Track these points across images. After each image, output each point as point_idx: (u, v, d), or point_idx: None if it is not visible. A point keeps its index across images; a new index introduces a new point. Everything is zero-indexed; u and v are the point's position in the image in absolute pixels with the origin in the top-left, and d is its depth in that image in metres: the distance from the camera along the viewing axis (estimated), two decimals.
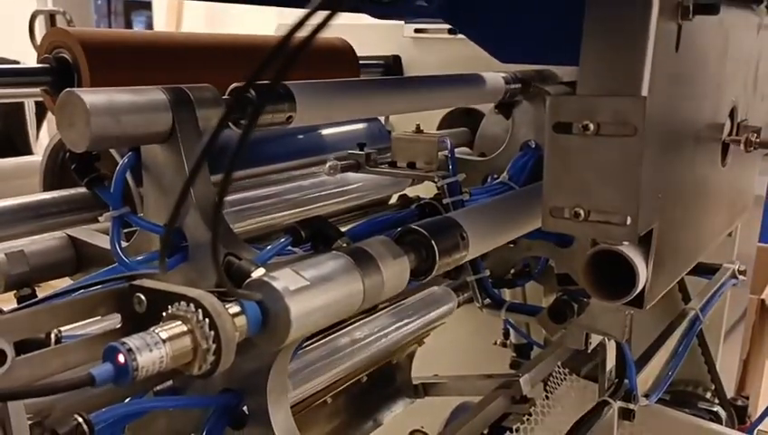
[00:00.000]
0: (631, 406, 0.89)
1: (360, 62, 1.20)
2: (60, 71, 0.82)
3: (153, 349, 0.48)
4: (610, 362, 0.91)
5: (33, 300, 0.64)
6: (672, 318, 1.10)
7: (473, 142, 1.25)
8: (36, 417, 0.53)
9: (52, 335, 0.61)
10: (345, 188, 1.06)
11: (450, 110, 1.35)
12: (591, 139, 0.53)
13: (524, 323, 1.36)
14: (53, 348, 0.56)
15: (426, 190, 1.05)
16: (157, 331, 0.49)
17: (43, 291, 0.68)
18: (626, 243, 0.55)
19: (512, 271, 1.14)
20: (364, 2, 0.55)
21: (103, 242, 0.72)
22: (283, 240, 0.66)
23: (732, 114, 0.76)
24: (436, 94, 0.93)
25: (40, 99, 0.87)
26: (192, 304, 0.51)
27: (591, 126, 0.52)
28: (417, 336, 1.17)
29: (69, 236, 0.75)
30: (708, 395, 1.38)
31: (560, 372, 1.15)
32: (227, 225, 0.64)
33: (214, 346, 0.50)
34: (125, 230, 0.68)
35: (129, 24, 5.65)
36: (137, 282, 0.57)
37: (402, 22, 1.39)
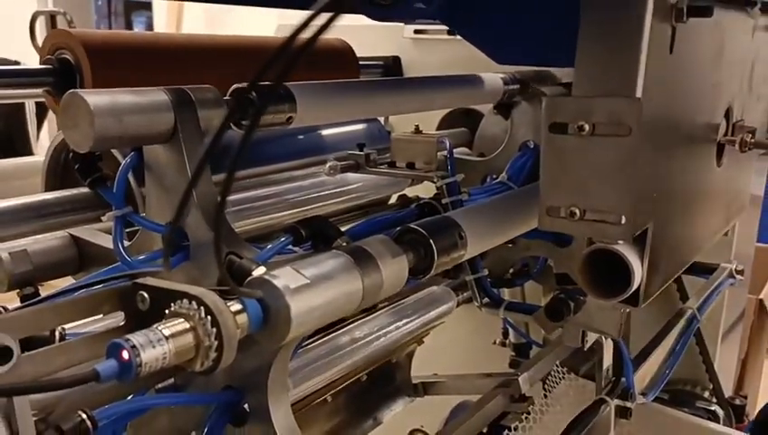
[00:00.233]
0: (628, 404, 0.90)
1: (360, 62, 1.21)
2: (62, 72, 0.82)
3: (156, 345, 0.49)
4: (608, 360, 0.92)
5: (37, 298, 0.64)
6: (670, 317, 1.11)
7: (472, 142, 1.25)
8: (41, 413, 0.54)
9: (57, 333, 0.62)
10: (345, 188, 1.07)
11: (450, 110, 1.36)
12: (587, 139, 0.53)
13: (523, 323, 1.36)
14: (58, 345, 0.57)
15: (425, 190, 1.06)
16: (160, 328, 0.50)
17: (45, 290, 0.68)
18: (621, 242, 0.56)
19: (511, 270, 1.14)
20: (363, 4, 0.56)
21: (106, 241, 0.73)
22: (283, 239, 0.67)
23: (727, 115, 0.77)
24: (435, 95, 0.94)
25: (41, 99, 0.88)
26: (194, 302, 0.52)
27: (587, 126, 0.53)
28: (416, 335, 1.18)
29: (71, 235, 0.75)
30: (706, 394, 1.38)
31: (558, 371, 1.16)
32: (229, 224, 0.65)
33: (216, 343, 0.51)
34: (127, 230, 0.69)
35: (129, 25, 5.66)
36: (140, 280, 0.58)
37: (402, 23, 1.40)
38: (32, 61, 0.88)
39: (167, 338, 0.49)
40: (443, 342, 1.30)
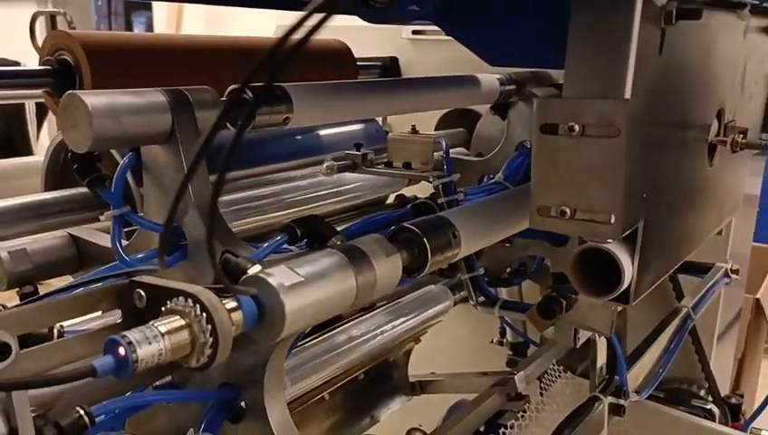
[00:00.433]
0: (622, 402, 0.91)
1: (358, 63, 1.22)
2: (62, 73, 0.83)
3: (152, 342, 0.50)
4: (602, 358, 0.93)
5: (36, 296, 0.65)
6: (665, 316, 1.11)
7: (470, 142, 1.26)
8: (40, 409, 0.54)
9: (55, 330, 0.63)
10: (342, 188, 1.08)
11: (447, 110, 1.37)
12: (577, 139, 0.54)
13: (521, 322, 1.37)
14: (56, 342, 0.58)
15: (423, 190, 1.07)
16: (156, 325, 0.51)
17: (44, 289, 0.69)
18: (612, 241, 0.57)
19: (508, 270, 1.15)
20: (358, 6, 0.57)
21: (104, 241, 0.73)
22: (278, 238, 0.67)
23: (719, 115, 0.77)
24: (431, 96, 0.94)
25: (41, 100, 0.89)
26: (190, 300, 0.53)
27: (577, 127, 0.54)
28: (413, 334, 1.18)
29: (70, 235, 0.76)
30: (702, 393, 1.39)
31: (555, 370, 1.17)
32: (225, 223, 0.65)
33: (211, 340, 0.52)
34: (125, 229, 0.70)
35: (129, 25, 5.66)
36: (137, 278, 0.59)
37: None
38: (32, 61, 0.89)
39: (163, 335, 0.50)
40: (441, 341, 1.31)
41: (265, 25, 1.59)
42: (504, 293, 1.28)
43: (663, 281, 1.34)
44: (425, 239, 0.64)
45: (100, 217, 0.76)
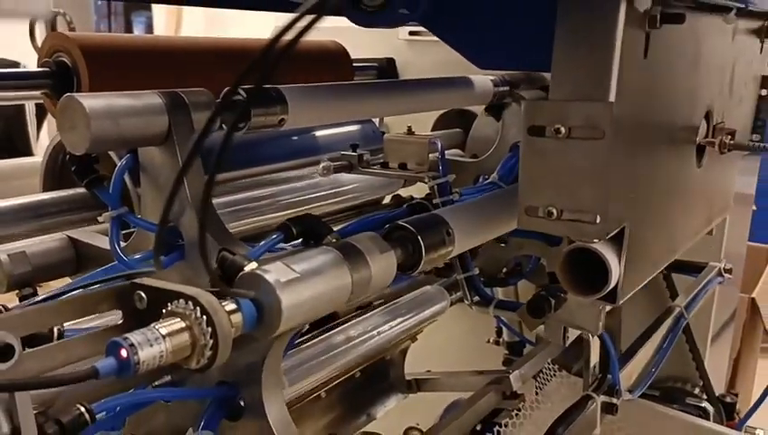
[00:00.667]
0: (614, 400, 0.91)
1: (354, 64, 1.23)
2: (60, 74, 0.83)
3: (154, 344, 0.51)
4: (595, 357, 0.94)
5: (37, 298, 0.66)
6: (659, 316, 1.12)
7: (466, 143, 1.27)
8: (41, 407, 0.55)
9: (55, 330, 0.64)
10: (339, 189, 1.08)
11: (444, 111, 1.38)
12: (563, 141, 0.55)
13: (517, 322, 1.38)
14: (59, 343, 0.59)
15: (419, 191, 1.08)
16: (157, 327, 0.52)
17: (43, 290, 0.70)
18: (598, 240, 0.58)
19: (504, 270, 1.16)
20: (349, 9, 0.58)
21: (102, 243, 0.74)
22: (274, 237, 0.68)
23: (707, 117, 0.78)
24: (425, 97, 0.95)
25: (40, 101, 0.90)
26: (190, 302, 0.54)
27: (563, 129, 0.55)
28: (410, 334, 1.19)
29: (69, 237, 0.77)
30: (697, 392, 1.40)
31: (550, 369, 1.18)
32: (221, 222, 0.66)
33: (211, 342, 0.53)
34: (124, 232, 0.71)
35: (129, 25, 5.67)
36: (137, 280, 0.60)
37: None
38: (32, 62, 0.90)
39: (164, 337, 0.51)
40: (437, 340, 1.32)
41: (265, 26, 1.60)
42: (499, 292, 1.29)
43: (657, 280, 1.35)
44: (419, 237, 0.65)
45: (99, 218, 0.77)
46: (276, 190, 0.99)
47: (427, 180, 0.94)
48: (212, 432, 0.64)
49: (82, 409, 0.55)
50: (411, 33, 1.47)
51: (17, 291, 0.73)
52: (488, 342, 1.47)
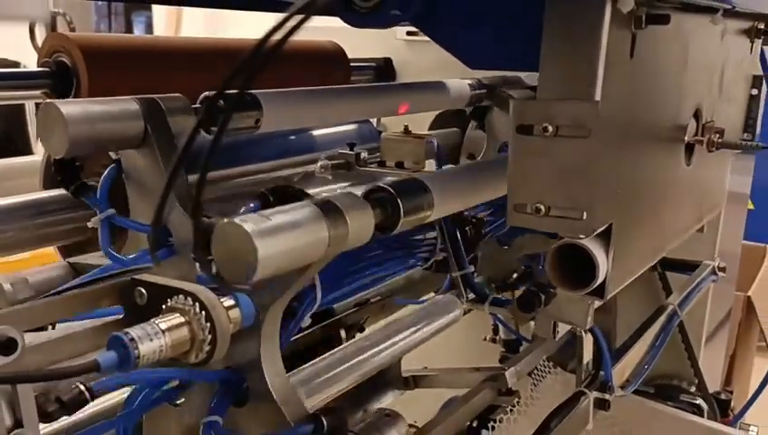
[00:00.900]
0: (607, 396, 0.93)
1: (352, 64, 1.24)
2: (59, 74, 0.85)
3: (154, 339, 0.52)
4: (588, 354, 0.95)
5: (40, 295, 0.67)
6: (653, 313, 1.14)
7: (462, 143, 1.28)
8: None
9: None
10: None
11: (441, 111, 1.39)
12: (551, 140, 0.56)
13: (513, 320, 1.39)
14: (61, 337, 0.60)
15: None
16: (157, 322, 0.53)
17: None
18: (584, 236, 0.59)
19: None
20: (342, 9, 0.59)
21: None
22: (252, 205, 0.68)
23: (697, 116, 0.80)
24: (401, 100, 0.96)
25: (40, 101, 0.91)
26: (190, 298, 0.55)
27: (551, 128, 0.56)
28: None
29: (71, 264, 0.78)
30: (692, 389, 1.41)
31: (545, 366, 1.19)
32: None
33: (210, 337, 0.55)
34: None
35: (129, 24, 5.68)
36: (138, 276, 0.61)
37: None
38: (32, 61, 0.91)
39: (163, 332, 0.53)
40: (435, 338, 1.33)
41: (264, 26, 1.62)
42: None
43: (652, 279, 1.36)
44: (398, 199, 0.65)
45: (88, 224, 0.79)
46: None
47: None
48: (219, 417, 0.65)
49: (82, 387, 0.56)
50: (409, 34, 1.48)
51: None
52: (485, 339, 1.48)
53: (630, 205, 0.65)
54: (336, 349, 0.94)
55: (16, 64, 3.18)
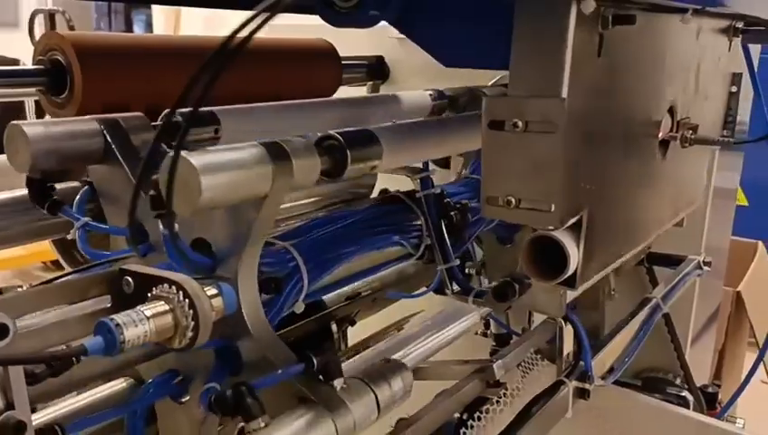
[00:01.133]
0: (587, 386, 0.95)
1: (344, 63, 1.26)
2: (54, 72, 0.86)
3: (138, 325, 0.55)
4: (569, 346, 0.97)
5: (31, 284, 0.70)
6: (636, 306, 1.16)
7: None
8: None
9: None
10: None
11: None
12: (520, 135, 0.59)
13: (504, 314, 1.41)
14: (51, 323, 0.62)
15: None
16: (142, 309, 0.56)
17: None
18: (553, 228, 0.61)
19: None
20: (321, 8, 0.61)
21: None
22: None
23: (671, 112, 0.82)
24: (360, 113, 0.97)
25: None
26: (174, 287, 0.58)
27: (520, 123, 0.59)
28: (398, 325, 1.23)
29: None
30: (678, 381, 1.44)
31: (533, 359, 1.21)
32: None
33: (192, 323, 0.57)
34: None
35: (129, 23, 5.71)
36: (125, 266, 0.63)
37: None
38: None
39: (148, 318, 0.55)
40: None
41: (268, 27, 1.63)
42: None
43: (640, 273, 1.39)
44: (347, 148, 0.67)
45: (68, 237, 0.81)
46: None
47: (409, 174, 0.98)
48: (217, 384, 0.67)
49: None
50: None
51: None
52: (476, 333, 1.50)
53: (602, 198, 0.68)
54: (354, 357, 0.96)
55: (16, 62, 3.20)
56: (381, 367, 0.73)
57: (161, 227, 0.59)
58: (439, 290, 1.07)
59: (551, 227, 0.60)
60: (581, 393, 0.94)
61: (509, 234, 1.08)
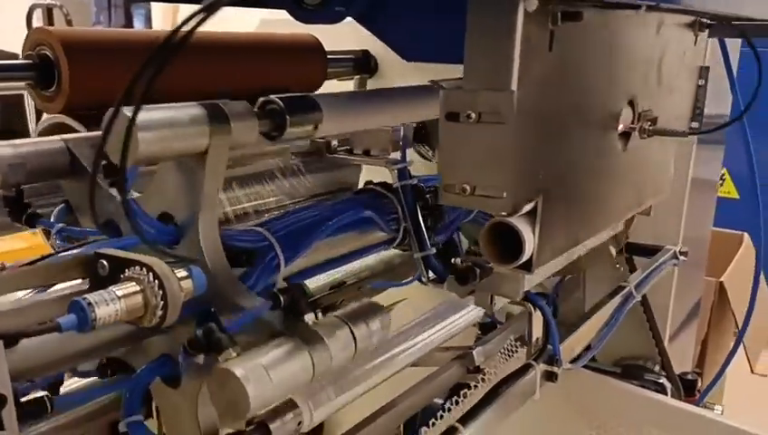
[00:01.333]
0: (555, 369, 0.98)
1: (330, 57, 1.29)
2: (42, 67, 0.89)
3: (110, 304, 0.59)
4: (538, 331, 1.01)
5: (9, 266, 0.73)
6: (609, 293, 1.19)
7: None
8: None
9: None
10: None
11: None
12: (474, 126, 0.62)
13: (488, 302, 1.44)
14: (29, 304, 0.66)
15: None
16: (114, 289, 0.60)
17: None
18: (504, 213, 0.65)
19: None
20: (289, 5, 0.64)
21: None
22: None
23: (632, 105, 0.85)
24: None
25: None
26: (144, 269, 0.62)
27: (474, 115, 0.62)
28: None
29: None
30: (657, 369, 1.47)
31: (513, 346, 1.25)
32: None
33: (162, 303, 0.61)
34: None
35: (129, 17, 5.71)
36: (101, 250, 0.67)
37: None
38: None
39: (119, 298, 0.59)
40: (410, 319, 1.38)
41: (262, 21, 1.66)
42: None
43: (620, 262, 1.42)
44: (286, 113, 0.70)
45: (48, 244, 0.84)
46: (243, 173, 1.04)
47: (387, 165, 1.01)
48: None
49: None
50: None
51: None
52: None
53: (558, 186, 0.71)
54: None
55: (15, 56, 3.22)
56: (358, 308, 0.75)
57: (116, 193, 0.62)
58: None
59: (504, 214, 0.64)
60: (549, 376, 0.98)
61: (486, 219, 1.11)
